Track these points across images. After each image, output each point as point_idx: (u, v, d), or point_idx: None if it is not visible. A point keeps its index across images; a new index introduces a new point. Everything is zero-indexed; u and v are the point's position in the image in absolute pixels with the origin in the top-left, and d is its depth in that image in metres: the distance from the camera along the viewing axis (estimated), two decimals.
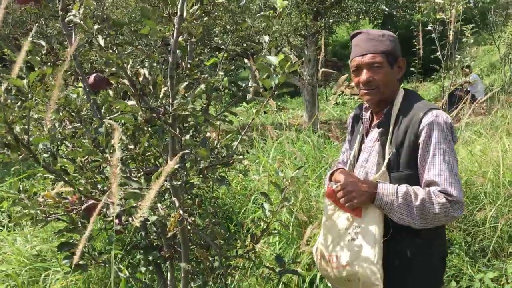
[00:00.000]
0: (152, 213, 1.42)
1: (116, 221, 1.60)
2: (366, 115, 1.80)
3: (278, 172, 1.65)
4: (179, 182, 1.46)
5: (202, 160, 1.44)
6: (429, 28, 5.34)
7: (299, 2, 7.97)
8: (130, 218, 1.49)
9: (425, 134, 1.55)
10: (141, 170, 1.58)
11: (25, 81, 1.28)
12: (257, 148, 4.66)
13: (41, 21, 6.81)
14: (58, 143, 1.64)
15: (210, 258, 1.68)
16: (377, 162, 1.66)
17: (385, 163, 1.61)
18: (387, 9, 9.08)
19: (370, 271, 1.53)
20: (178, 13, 1.30)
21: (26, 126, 1.28)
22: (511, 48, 9.58)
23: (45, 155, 1.61)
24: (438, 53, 5.09)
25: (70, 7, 1.58)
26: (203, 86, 1.39)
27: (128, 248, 1.92)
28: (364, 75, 1.64)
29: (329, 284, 1.91)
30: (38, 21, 6.82)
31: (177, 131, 1.41)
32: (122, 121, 1.55)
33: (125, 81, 1.34)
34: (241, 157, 1.56)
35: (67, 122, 1.69)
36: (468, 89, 8.10)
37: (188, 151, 1.43)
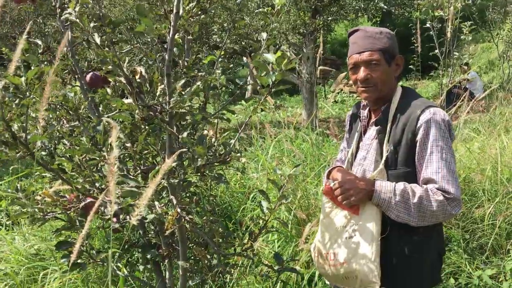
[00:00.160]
0: (149, 211, 1.42)
1: (114, 219, 1.60)
2: (364, 113, 1.80)
3: (276, 170, 1.65)
4: (177, 180, 1.46)
5: (199, 158, 1.43)
6: (428, 25, 5.34)
7: (297, 0, 7.96)
8: (128, 217, 1.49)
9: (423, 132, 1.55)
10: (138, 168, 1.58)
11: (23, 78, 1.28)
12: (255, 146, 4.66)
13: (39, 19, 6.80)
14: (56, 141, 1.64)
15: (208, 256, 1.68)
16: (375, 160, 1.67)
17: (383, 161, 1.61)
18: (385, 7, 9.07)
19: (368, 268, 1.53)
20: (174, 11, 1.29)
21: (24, 124, 1.28)
22: (509, 45, 9.58)
23: (43, 153, 1.60)
24: (437, 51, 5.09)
25: (66, 5, 1.58)
26: (199, 83, 1.39)
27: (126, 246, 1.92)
28: (362, 72, 1.64)
29: (327, 282, 1.91)
30: (35, 20, 6.81)
31: (174, 129, 1.41)
32: (120, 120, 1.55)
33: (122, 79, 1.34)
34: (239, 155, 1.56)
35: (64, 121, 1.69)
36: (467, 87, 8.11)
37: (186, 149, 1.43)
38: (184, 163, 1.53)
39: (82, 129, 1.65)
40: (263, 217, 1.70)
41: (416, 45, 5.24)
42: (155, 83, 1.41)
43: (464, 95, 4.31)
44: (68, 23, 1.65)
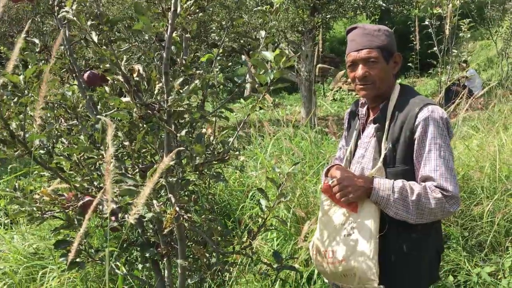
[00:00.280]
0: (148, 210, 1.42)
1: (113, 218, 1.60)
2: (363, 110, 1.79)
3: (275, 168, 1.65)
4: (175, 179, 1.46)
5: (197, 156, 1.43)
6: (426, 23, 5.34)
7: None
8: (126, 215, 1.49)
9: (421, 130, 1.55)
10: (137, 167, 1.58)
11: (21, 77, 1.28)
12: (254, 145, 4.66)
13: (37, 18, 6.79)
14: (54, 140, 1.64)
15: (207, 255, 1.68)
16: (373, 158, 1.66)
17: (381, 159, 1.61)
18: (384, 5, 9.06)
19: (366, 265, 1.53)
20: (172, 9, 1.29)
21: (22, 123, 1.28)
22: (508, 42, 9.57)
23: (41, 152, 1.60)
24: (435, 48, 5.09)
25: (64, 3, 1.58)
26: (197, 82, 1.39)
27: (125, 245, 1.92)
28: (360, 70, 1.64)
29: (326, 280, 1.91)
30: (34, 19, 6.80)
31: (173, 128, 1.41)
32: (119, 118, 1.55)
33: (120, 77, 1.34)
34: (237, 153, 1.56)
35: (62, 120, 1.69)
36: (465, 84, 8.10)
37: (184, 147, 1.43)
38: (183, 161, 1.52)
39: (80, 127, 1.65)
40: (262, 215, 1.70)
41: (414, 42, 5.24)
42: (153, 81, 1.41)
43: (462, 93, 4.31)
44: (66, 21, 1.65)
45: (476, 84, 8.92)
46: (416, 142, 1.57)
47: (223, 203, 3.78)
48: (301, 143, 4.41)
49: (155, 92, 1.37)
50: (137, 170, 1.57)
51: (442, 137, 1.54)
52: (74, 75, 1.73)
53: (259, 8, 1.53)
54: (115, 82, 1.42)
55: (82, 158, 1.51)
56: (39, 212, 1.51)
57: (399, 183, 1.53)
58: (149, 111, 1.35)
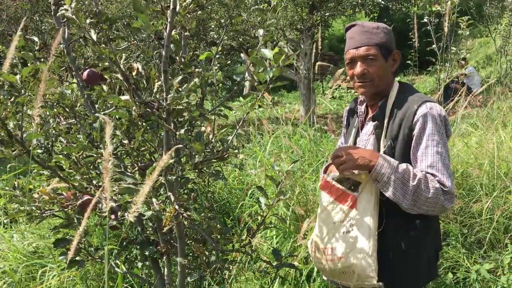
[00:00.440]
0: (147, 208, 1.42)
1: (112, 216, 1.60)
2: (361, 108, 1.80)
3: (274, 166, 1.65)
4: (174, 177, 1.46)
5: (197, 154, 1.43)
6: (425, 20, 5.33)
7: None
8: (125, 214, 1.49)
9: (419, 126, 1.55)
10: (136, 165, 1.58)
11: (18, 76, 1.28)
12: (253, 143, 4.66)
13: (35, 17, 6.78)
14: (53, 139, 1.64)
15: (207, 253, 1.68)
16: None
17: None
18: (383, 2, 9.05)
19: (366, 262, 1.54)
20: (171, 7, 1.29)
21: (20, 122, 1.28)
22: (507, 40, 9.58)
23: (39, 151, 1.60)
24: (434, 46, 5.09)
25: (62, 1, 1.57)
26: (196, 80, 1.39)
27: (124, 243, 1.92)
28: (359, 67, 1.63)
29: (325, 278, 1.91)
30: (32, 17, 6.79)
31: (172, 126, 1.41)
32: (117, 116, 1.55)
33: (119, 75, 1.34)
34: (237, 151, 1.56)
35: (61, 118, 1.69)
36: (464, 82, 8.10)
37: (183, 145, 1.43)
38: (182, 159, 1.53)
39: (79, 126, 1.65)
40: (261, 213, 1.70)
41: (413, 40, 5.24)
42: (152, 79, 1.41)
43: (461, 90, 4.31)
44: (64, 19, 1.64)
45: (475, 81, 8.92)
46: (414, 138, 1.57)
47: (222, 201, 3.78)
48: (300, 141, 4.41)
49: (154, 90, 1.37)
50: (136, 168, 1.57)
51: (440, 134, 1.54)
52: (72, 73, 1.73)
53: (257, 7, 1.53)
54: (114, 80, 1.41)
55: (80, 157, 1.51)
56: (39, 211, 1.51)
57: (403, 165, 1.52)
58: (148, 109, 1.35)
